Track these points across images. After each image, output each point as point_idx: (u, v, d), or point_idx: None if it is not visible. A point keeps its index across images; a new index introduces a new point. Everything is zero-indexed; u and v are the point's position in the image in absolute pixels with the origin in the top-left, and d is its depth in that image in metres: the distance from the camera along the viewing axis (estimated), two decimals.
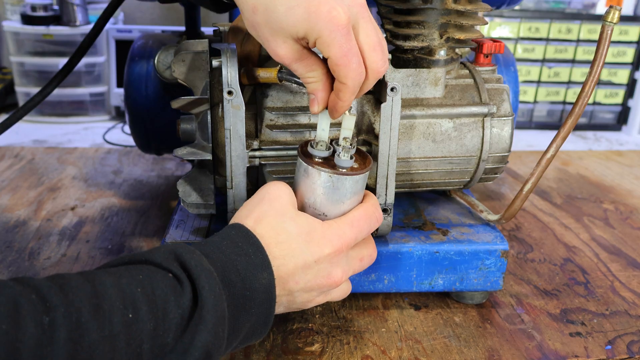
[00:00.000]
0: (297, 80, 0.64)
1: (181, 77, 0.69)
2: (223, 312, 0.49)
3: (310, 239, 0.58)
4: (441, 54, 0.74)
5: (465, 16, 0.73)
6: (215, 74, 0.70)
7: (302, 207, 0.61)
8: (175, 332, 0.46)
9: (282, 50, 0.54)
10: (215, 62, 0.65)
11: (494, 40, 0.80)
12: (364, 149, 0.72)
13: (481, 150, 0.76)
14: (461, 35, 0.74)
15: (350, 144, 0.60)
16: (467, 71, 0.79)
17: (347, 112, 0.59)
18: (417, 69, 0.74)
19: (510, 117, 0.77)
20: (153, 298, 0.45)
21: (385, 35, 0.77)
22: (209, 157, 0.69)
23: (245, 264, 0.53)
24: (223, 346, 0.49)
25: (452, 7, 0.72)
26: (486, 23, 0.76)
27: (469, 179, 0.80)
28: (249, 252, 0.54)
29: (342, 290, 0.64)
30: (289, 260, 0.56)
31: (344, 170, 0.59)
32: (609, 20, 0.66)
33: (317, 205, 0.61)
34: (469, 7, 0.72)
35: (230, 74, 0.63)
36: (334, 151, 0.60)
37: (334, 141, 0.61)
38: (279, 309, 0.59)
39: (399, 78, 0.74)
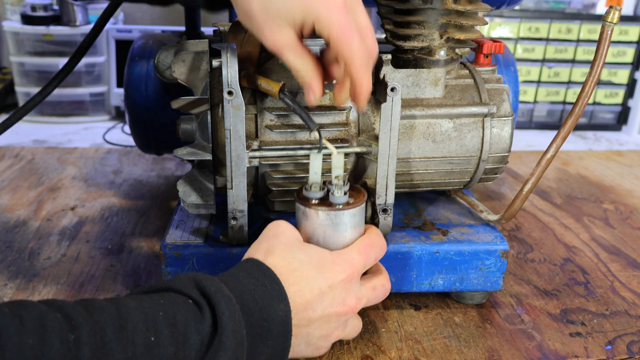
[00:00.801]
0: (297, 105, 0.65)
1: (181, 77, 0.69)
2: (242, 339, 0.49)
3: (321, 266, 0.59)
4: (441, 54, 0.74)
5: (465, 16, 0.73)
6: (216, 74, 0.70)
7: None
8: (194, 358, 0.46)
9: (276, 36, 0.54)
10: (215, 62, 0.65)
11: (494, 40, 0.80)
12: (363, 149, 0.72)
13: (481, 150, 0.76)
14: (461, 36, 0.73)
15: (343, 181, 0.63)
16: (467, 71, 0.79)
17: (335, 151, 0.62)
18: (417, 69, 0.74)
19: (510, 117, 0.77)
20: (174, 322, 0.45)
21: (385, 35, 0.77)
22: (208, 157, 0.69)
23: (262, 294, 0.53)
24: None
25: (452, 7, 0.72)
26: (486, 23, 0.76)
27: (469, 179, 0.79)
28: (265, 283, 0.54)
29: (356, 327, 0.65)
30: (304, 287, 0.57)
31: (339, 206, 0.62)
32: (609, 20, 0.66)
33: (320, 245, 0.63)
34: (469, 7, 0.72)
35: (230, 74, 0.63)
36: (329, 191, 0.63)
37: (327, 182, 0.64)
38: (299, 346, 0.58)
39: (399, 78, 0.73)
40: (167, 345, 0.44)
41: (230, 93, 0.63)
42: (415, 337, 0.73)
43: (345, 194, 0.63)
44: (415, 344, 0.72)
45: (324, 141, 0.65)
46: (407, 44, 0.74)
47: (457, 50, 0.79)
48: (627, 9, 1.73)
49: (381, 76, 0.69)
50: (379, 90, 0.70)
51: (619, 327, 0.78)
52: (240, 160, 0.66)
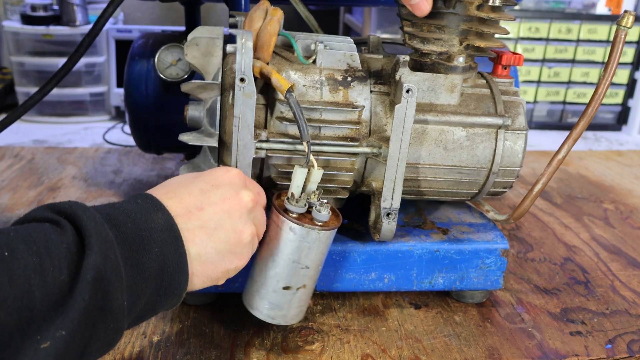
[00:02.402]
0: (299, 110, 0.64)
1: (193, 61, 0.68)
2: (108, 237, 0.47)
3: (199, 175, 0.58)
4: (459, 60, 0.72)
5: (487, 24, 0.71)
6: (229, 61, 0.69)
7: (283, 263, 0.64)
8: (67, 265, 0.44)
9: None
10: (230, 48, 0.64)
11: (514, 52, 0.78)
12: (373, 150, 0.71)
13: (492, 162, 0.74)
14: (481, 44, 0.71)
15: (318, 197, 0.64)
16: (484, 81, 0.77)
17: (316, 166, 0.63)
18: (434, 74, 0.72)
19: (524, 132, 0.75)
20: (30, 239, 0.44)
21: (403, 37, 0.76)
22: (214, 144, 0.68)
23: (134, 208, 0.51)
24: (120, 272, 0.47)
25: (474, 13, 0.70)
26: (507, 33, 0.73)
27: (477, 191, 0.78)
28: (137, 201, 0.53)
29: (262, 219, 0.62)
30: (182, 193, 0.55)
31: (320, 223, 0.63)
32: (623, 24, 0.67)
33: (301, 261, 0.63)
34: (491, 15, 0.70)
35: (244, 60, 0.62)
36: (309, 205, 0.63)
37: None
38: (206, 249, 0.54)
39: (415, 81, 0.72)
40: (27, 257, 0.42)
41: (242, 80, 0.62)
42: (415, 335, 0.73)
43: (328, 212, 0.63)
44: (415, 343, 0.72)
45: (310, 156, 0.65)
46: (426, 48, 0.72)
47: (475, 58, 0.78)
48: (627, 9, 1.73)
49: (398, 77, 0.69)
50: (394, 91, 0.70)
51: (619, 326, 0.77)
52: (246, 149, 0.65)
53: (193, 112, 0.69)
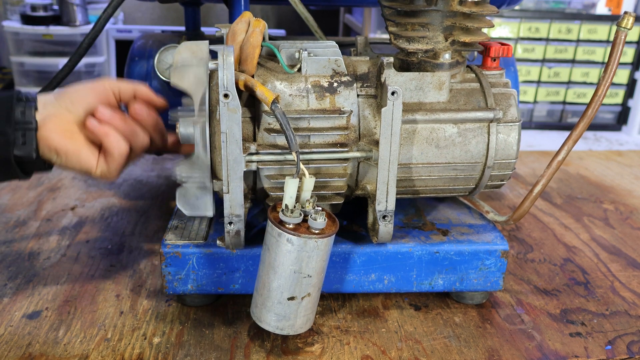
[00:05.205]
0: (286, 120, 0.64)
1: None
2: None
3: None
4: (445, 57, 0.73)
5: (471, 18, 0.72)
6: (214, 77, 0.69)
7: (285, 275, 0.64)
8: None
9: None
10: (211, 65, 0.64)
11: (502, 43, 0.79)
12: (364, 154, 0.71)
13: (486, 156, 0.74)
14: (467, 38, 0.71)
15: (313, 205, 0.64)
16: (474, 75, 0.77)
17: (308, 175, 0.64)
18: (421, 73, 0.72)
19: (517, 123, 0.75)
20: None
21: (389, 37, 0.76)
22: (207, 174, 0.67)
23: None
24: None
25: (457, 9, 0.70)
26: (492, 25, 0.73)
27: (474, 186, 0.78)
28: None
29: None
30: None
31: (317, 231, 0.63)
32: (623, 25, 0.67)
33: (302, 270, 0.63)
34: (474, 10, 0.70)
35: (226, 76, 0.62)
36: (305, 215, 0.64)
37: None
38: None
39: (401, 82, 0.72)
40: None
41: (226, 96, 0.62)
42: (415, 337, 0.73)
43: (324, 219, 0.63)
44: (415, 344, 0.72)
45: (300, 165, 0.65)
46: (411, 47, 0.72)
47: (462, 53, 0.78)
48: (627, 9, 1.72)
49: (382, 79, 0.69)
50: (380, 93, 0.70)
51: (619, 327, 0.78)
52: (237, 164, 0.66)
53: (184, 129, 0.68)
